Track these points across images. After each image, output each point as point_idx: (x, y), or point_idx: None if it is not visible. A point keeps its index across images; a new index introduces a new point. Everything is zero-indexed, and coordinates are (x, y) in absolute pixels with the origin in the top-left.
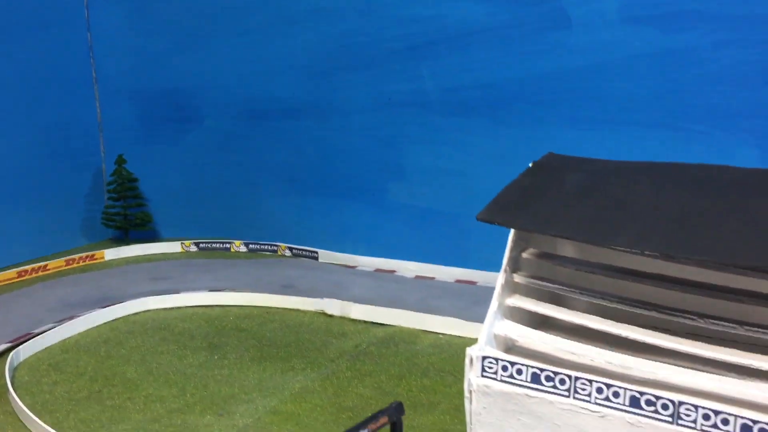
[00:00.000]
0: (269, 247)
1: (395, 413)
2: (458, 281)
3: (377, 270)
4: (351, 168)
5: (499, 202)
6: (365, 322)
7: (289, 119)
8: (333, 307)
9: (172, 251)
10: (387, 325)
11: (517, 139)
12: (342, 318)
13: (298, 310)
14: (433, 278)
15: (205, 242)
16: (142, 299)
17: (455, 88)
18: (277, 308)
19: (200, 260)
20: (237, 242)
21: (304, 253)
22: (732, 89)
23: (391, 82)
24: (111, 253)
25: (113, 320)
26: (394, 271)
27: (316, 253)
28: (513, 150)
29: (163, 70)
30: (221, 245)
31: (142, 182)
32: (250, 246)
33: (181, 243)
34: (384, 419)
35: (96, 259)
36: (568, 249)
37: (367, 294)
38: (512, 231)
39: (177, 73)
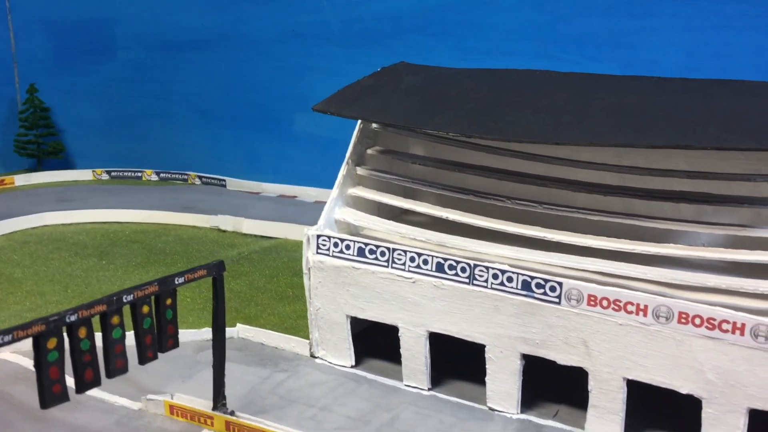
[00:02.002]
0: (180, 176)
1: (215, 269)
2: None
3: (280, 196)
4: (258, 98)
5: (337, 96)
6: (255, 235)
7: (199, 50)
8: (226, 222)
9: (83, 178)
10: (275, 237)
11: None
12: (234, 233)
13: (194, 227)
14: None
15: (117, 170)
16: (40, 214)
17: (353, 19)
18: (174, 224)
19: (109, 186)
20: (148, 171)
21: (212, 181)
22: (600, 20)
23: (295, 13)
24: (21, 179)
25: (10, 233)
26: (296, 197)
27: (224, 180)
28: None
29: (76, 0)
30: (133, 173)
31: (56, 112)
32: (162, 175)
33: (93, 171)
34: (202, 272)
35: (5, 184)
36: (417, 148)
37: (266, 215)
38: (357, 128)
39: (91, 3)
